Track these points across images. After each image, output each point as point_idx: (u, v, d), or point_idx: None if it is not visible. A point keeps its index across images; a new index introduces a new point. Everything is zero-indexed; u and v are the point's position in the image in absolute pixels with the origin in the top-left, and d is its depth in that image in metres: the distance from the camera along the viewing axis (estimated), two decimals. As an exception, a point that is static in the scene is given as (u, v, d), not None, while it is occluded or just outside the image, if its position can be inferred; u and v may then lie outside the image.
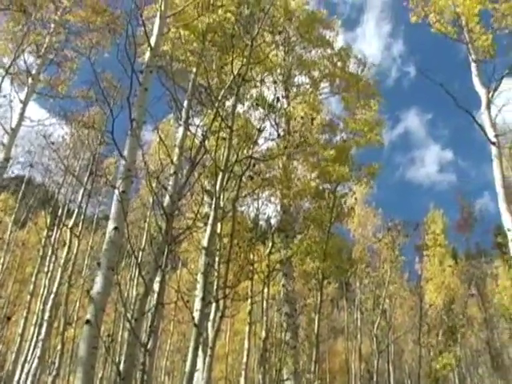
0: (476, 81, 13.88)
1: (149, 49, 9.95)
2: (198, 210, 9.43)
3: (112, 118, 7.77)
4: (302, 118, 15.15)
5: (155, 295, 7.92)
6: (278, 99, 13.10)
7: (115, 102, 18.79)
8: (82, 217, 21.45)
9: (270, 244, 15.82)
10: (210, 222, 7.85)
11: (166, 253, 7.07)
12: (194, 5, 11.98)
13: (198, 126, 11.19)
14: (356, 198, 20.24)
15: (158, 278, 8.87)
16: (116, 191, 8.27)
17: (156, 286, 8.68)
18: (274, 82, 17.79)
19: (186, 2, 11.91)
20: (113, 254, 7.87)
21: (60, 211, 23.39)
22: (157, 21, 10.63)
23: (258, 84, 12.85)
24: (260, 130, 10.07)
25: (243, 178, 9.89)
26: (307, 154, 17.10)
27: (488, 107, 13.26)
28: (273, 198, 17.09)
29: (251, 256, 13.68)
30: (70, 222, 20.20)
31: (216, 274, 10.21)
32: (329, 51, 20.85)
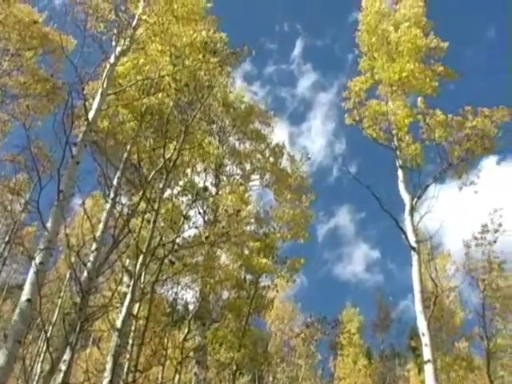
0: (401, 187, 14.39)
1: (86, 123, 10.04)
2: (116, 289, 9.29)
3: (40, 187, 7.74)
4: (225, 211, 15.24)
5: (61, 374, 7.66)
6: (205, 188, 13.24)
7: (44, 170, 18.56)
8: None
9: (186, 330, 15.56)
10: (126, 303, 7.76)
11: (77, 330, 6.92)
12: (136, 86, 12.21)
13: (123, 205, 11.15)
14: (278, 291, 20.28)
15: (66, 357, 8.56)
16: (33, 262, 8.10)
17: (63, 365, 8.37)
18: (205, 170, 18.02)
19: (129, 83, 12.14)
20: (22, 327, 7.63)
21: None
22: (97, 96, 10.78)
23: (189, 170, 12.99)
24: (186, 218, 10.16)
25: (165, 261, 9.86)
26: (231, 244, 17.11)
27: (411, 213, 13.72)
28: (193, 284, 16.92)
29: (165, 341, 13.45)
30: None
31: (128, 356, 9.97)
32: (262, 146, 21.28)
